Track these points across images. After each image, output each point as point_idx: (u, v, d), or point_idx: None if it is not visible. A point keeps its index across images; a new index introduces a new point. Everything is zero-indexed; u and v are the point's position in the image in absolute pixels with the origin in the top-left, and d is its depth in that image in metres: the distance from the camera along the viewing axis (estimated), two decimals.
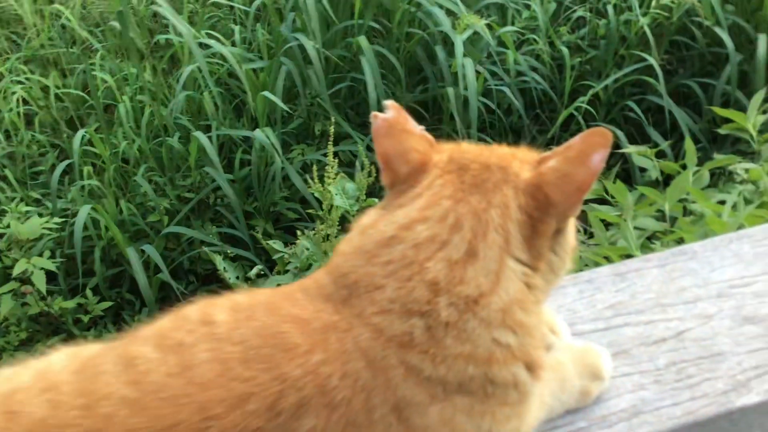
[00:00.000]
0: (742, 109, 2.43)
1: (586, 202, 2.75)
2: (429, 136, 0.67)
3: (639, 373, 0.72)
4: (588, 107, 2.79)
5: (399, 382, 0.56)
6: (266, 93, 2.59)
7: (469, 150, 0.66)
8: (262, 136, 2.51)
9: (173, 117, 2.73)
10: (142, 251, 2.48)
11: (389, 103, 0.66)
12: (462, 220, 0.59)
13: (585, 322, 0.77)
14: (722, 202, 1.94)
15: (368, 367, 0.55)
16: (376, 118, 0.65)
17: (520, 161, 0.63)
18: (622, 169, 2.85)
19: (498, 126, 2.95)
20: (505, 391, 0.59)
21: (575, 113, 2.81)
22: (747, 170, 2.13)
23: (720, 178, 2.51)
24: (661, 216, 2.14)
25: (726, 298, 0.77)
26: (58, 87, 3.11)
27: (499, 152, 0.65)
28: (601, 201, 2.49)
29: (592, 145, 0.59)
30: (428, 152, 0.65)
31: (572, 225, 0.66)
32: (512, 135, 3.00)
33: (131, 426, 0.51)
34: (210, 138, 2.59)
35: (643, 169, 2.66)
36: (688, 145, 2.33)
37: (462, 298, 0.56)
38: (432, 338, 0.56)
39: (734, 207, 1.93)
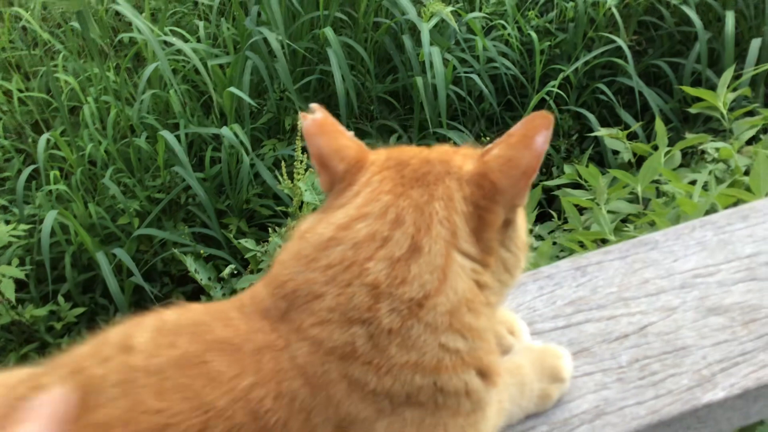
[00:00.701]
0: (713, 87, 2.43)
1: (560, 187, 2.74)
2: (360, 142, 0.64)
3: (601, 371, 0.70)
4: (559, 91, 2.77)
5: (342, 398, 0.52)
6: (232, 89, 2.55)
7: (407, 149, 0.63)
8: (230, 133, 2.47)
9: (139, 116, 2.67)
10: (114, 255, 2.44)
11: (315, 105, 0.63)
12: (403, 214, 0.56)
13: (545, 320, 0.75)
14: (694, 182, 1.93)
15: (306, 384, 0.52)
16: (305, 118, 0.62)
17: (462, 156, 0.61)
18: (595, 153, 2.84)
19: (469, 113, 2.92)
20: (457, 400, 0.56)
21: (546, 97, 2.79)
22: (717, 149, 2.12)
23: (692, 157, 2.51)
24: (634, 198, 2.13)
25: (689, 288, 0.75)
26: (21, 90, 3.05)
27: (439, 149, 0.63)
28: (575, 186, 2.48)
29: (535, 128, 0.57)
30: (363, 150, 0.62)
31: (522, 220, 0.63)
32: (485, 122, 2.98)
33: None
34: (178, 137, 2.54)
35: (615, 152, 2.65)
36: (659, 125, 2.32)
37: (405, 302, 0.53)
38: (375, 348, 0.52)
39: (705, 187, 1.92)
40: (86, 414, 0.49)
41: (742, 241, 0.78)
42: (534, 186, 2.61)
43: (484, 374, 0.58)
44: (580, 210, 2.15)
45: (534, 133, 0.57)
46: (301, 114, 0.62)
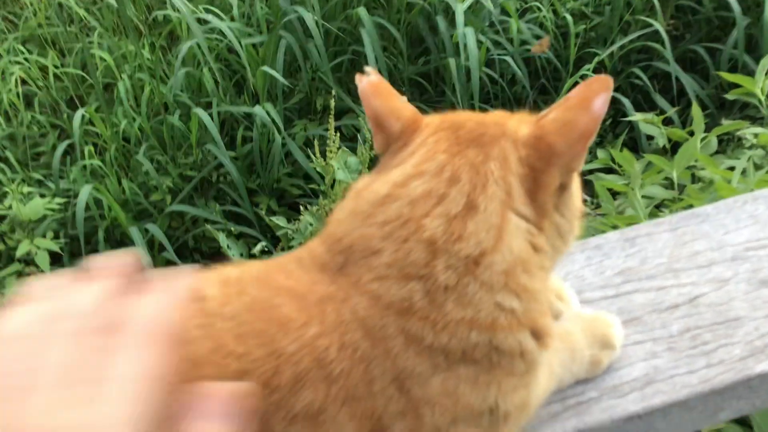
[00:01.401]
0: (750, 73, 2.39)
1: (593, 171, 2.72)
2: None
3: (652, 340, 0.69)
4: (593, 75, 2.75)
5: (399, 351, 0.53)
6: (266, 68, 2.56)
7: (462, 113, 0.63)
8: (263, 112, 2.48)
9: (173, 94, 2.69)
10: (146, 230, 2.46)
11: (370, 68, 0.64)
12: (459, 172, 0.56)
13: (594, 289, 0.75)
14: (731, 168, 1.91)
15: (366, 336, 0.52)
16: (362, 80, 0.62)
17: (518, 120, 0.61)
18: (629, 138, 2.81)
19: (501, 96, 2.90)
20: (511, 360, 0.56)
21: (579, 81, 2.76)
22: (756, 135, 2.09)
23: (728, 144, 2.47)
24: (669, 184, 2.11)
25: (741, 261, 0.74)
26: (56, 66, 3.07)
27: (494, 113, 0.63)
28: (608, 171, 2.46)
29: (593, 91, 0.57)
30: (418, 113, 0.63)
31: (577, 187, 0.63)
32: (516, 105, 2.96)
33: None
34: (211, 115, 2.55)
35: (650, 137, 2.62)
36: (695, 111, 2.29)
37: (461, 259, 0.53)
38: (432, 303, 0.53)
39: (744, 173, 1.90)
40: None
41: None
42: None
43: (538, 335, 0.58)
44: (614, 195, 2.13)
45: (593, 95, 0.57)
46: (357, 76, 0.63)
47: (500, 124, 0.60)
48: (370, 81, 0.63)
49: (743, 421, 1.64)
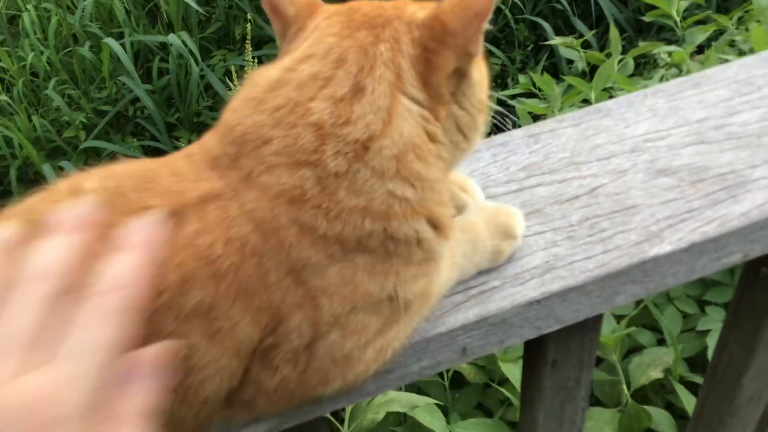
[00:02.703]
0: None
1: (515, 97, 2.73)
2: None
3: (552, 230, 0.70)
4: (515, 0, 2.74)
5: (293, 242, 0.51)
6: None
7: (368, 1, 0.61)
8: (178, 41, 2.39)
9: (82, 24, 2.57)
10: (61, 168, 2.37)
11: None
12: (346, 54, 0.54)
13: (498, 184, 0.75)
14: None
15: (257, 229, 0.51)
16: None
17: (420, 5, 0.59)
18: (551, 63, 2.84)
19: None
20: (408, 248, 0.56)
21: (502, 6, 2.75)
22: (670, 54, 2.13)
23: (646, 66, 2.51)
24: (587, 105, 2.14)
25: (640, 152, 0.75)
26: None
27: (400, 0, 0.61)
28: (529, 95, 2.48)
29: None
30: (316, 0, 0.60)
31: (481, 77, 0.62)
32: None
33: None
34: (123, 45, 2.45)
35: (570, 62, 2.64)
36: (613, 33, 2.32)
37: (350, 144, 0.52)
38: (323, 191, 0.51)
39: None
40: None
41: (693, 107, 0.79)
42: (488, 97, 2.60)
43: (435, 225, 0.57)
44: (535, 118, 2.15)
45: None
46: None
47: (399, 7, 0.58)
48: None
49: (653, 327, 1.71)
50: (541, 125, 0.80)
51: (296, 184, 0.52)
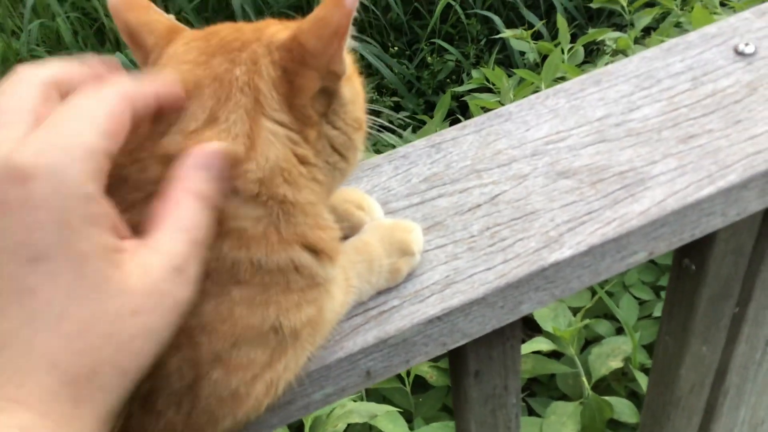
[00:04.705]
0: None
1: (470, 92, 2.71)
2: (177, 22, 0.60)
3: (453, 243, 0.69)
4: None
5: None
6: None
7: (232, 23, 0.59)
8: (125, 59, 2.37)
9: (29, 49, 2.54)
10: None
11: None
12: (200, 85, 0.53)
13: (399, 198, 0.73)
14: None
15: None
16: None
17: (284, 26, 0.57)
18: (505, 56, 2.83)
19: (376, 24, 2.86)
20: (286, 276, 0.54)
21: (452, 2, 2.74)
22: (615, 40, 2.13)
23: (596, 53, 2.51)
24: None
25: (541, 155, 0.74)
26: None
27: (265, 21, 0.59)
28: (485, 90, 2.47)
29: None
30: (178, 26, 0.58)
31: (355, 95, 0.60)
32: (393, 32, 2.93)
33: None
34: None
35: (523, 53, 2.64)
36: (560, 22, 2.31)
37: None
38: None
39: None
40: None
41: (594, 105, 0.78)
42: (443, 93, 2.59)
43: (315, 251, 0.56)
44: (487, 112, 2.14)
45: None
46: None
47: (259, 29, 0.57)
48: None
49: (612, 316, 1.71)
50: (443, 134, 0.78)
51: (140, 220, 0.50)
